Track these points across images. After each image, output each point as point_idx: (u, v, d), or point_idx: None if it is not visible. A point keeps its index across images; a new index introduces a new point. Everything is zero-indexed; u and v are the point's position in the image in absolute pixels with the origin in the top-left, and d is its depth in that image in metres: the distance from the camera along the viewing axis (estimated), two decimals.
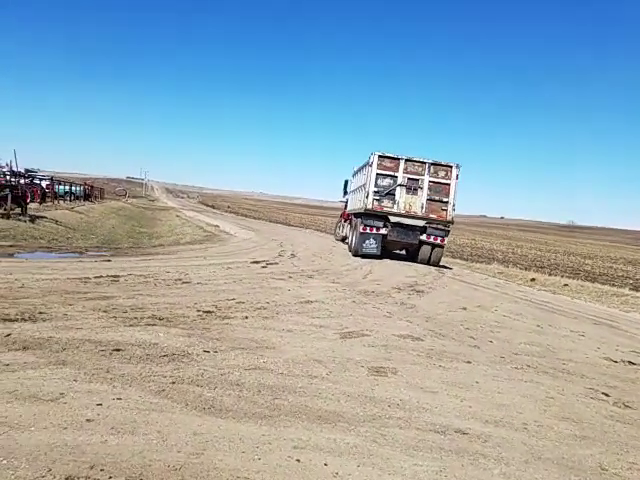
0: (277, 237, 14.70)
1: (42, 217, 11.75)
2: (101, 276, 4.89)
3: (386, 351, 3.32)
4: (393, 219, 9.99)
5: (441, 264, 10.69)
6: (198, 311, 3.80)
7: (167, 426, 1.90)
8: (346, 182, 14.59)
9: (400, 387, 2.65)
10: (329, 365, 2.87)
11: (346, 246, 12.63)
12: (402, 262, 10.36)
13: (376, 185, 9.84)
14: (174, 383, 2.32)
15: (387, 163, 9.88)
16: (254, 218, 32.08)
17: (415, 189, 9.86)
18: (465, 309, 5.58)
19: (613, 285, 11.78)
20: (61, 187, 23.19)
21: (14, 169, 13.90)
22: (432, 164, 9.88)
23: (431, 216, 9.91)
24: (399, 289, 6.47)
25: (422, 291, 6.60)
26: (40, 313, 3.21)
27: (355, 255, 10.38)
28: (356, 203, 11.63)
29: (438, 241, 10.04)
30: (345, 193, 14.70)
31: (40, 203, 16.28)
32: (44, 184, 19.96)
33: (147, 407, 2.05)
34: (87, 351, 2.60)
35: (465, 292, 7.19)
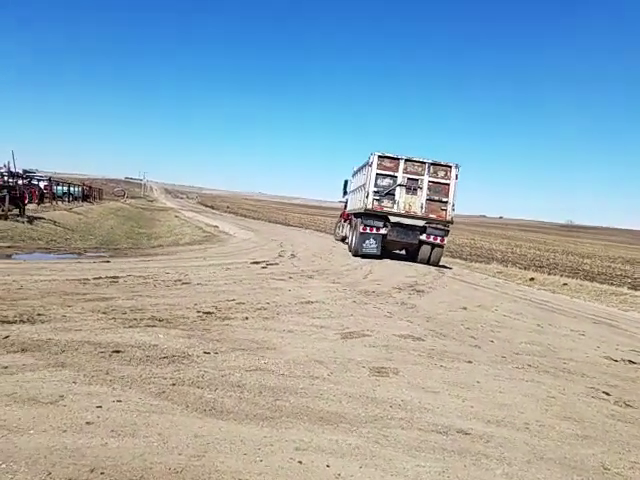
0: (277, 237, 14.68)
1: (40, 218, 11.70)
2: (100, 277, 4.87)
3: (387, 351, 3.32)
4: (393, 219, 10.00)
5: (441, 264, 10.70)
6: (198, 312, 3.78)
7: (168, 428, 1.89)
8: (346, 182, 14.59)
9: (402, 387, 2.64)
10: (330, 366, 2.86)
11: (346, 246, 12.62)
12: (402, 262, 10.36)
13: (376, 185, 9.84)
14: (174, 385, 2.31)
15: (387, 163, 9.88)
16: (253, 218, 32.04)
17: (415, 189, 9.86)
18: (465, 309, 5.58)
19: (612, 284, 11.81)
20: (59, 188, 23.13)
21: (12, 170, 13.84)
22: (432, 164, 9.88)
23: (431, 216, 9.91)
24: (399, 289, 6.47)
25: (422, 291, 6.60)
26: (39, 315, 3.19)
27: (355, 255, 10.37)
28: (356, 203, 11.62)
29: (438, 241, 10.05)
30: (345, 193, 14.70)
31: (38, 204, 16.22)
32: (42, 185, 19.90)
33: (147, 409, 2.03)
34: (86, 353, 2.58)
35: (465, 292, 7.19)
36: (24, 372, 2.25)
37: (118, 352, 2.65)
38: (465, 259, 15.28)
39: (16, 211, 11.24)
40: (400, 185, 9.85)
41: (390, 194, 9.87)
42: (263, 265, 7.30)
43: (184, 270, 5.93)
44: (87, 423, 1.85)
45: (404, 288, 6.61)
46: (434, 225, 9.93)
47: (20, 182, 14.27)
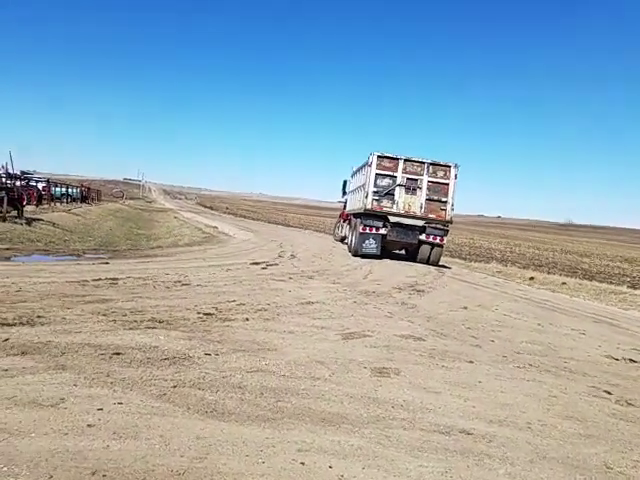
0: (276, 238, 14.67)
1: (39, 220, 11.66)
2: (99, 279, 4.85)
3: (388, 352, 3.31)
4: (392, 219, 10.00)
5: (440, 263, 10.71)
6: (198, 313, 3.77)
7: (169, 430, 1.88)
8: (345, 182, 14.59)
9: (403, 388, 2.64)
10: (331, 366, 2.85)
11: (345, 246, 12.62)
12: (402, 262, 10.36)
13: (375, 185, 9.85)
14: (175, 387, 2.30)
15: (386, 163, 9.89)
16: (253, 219, 32.02)
17: (414, 189, 9.87)
18: (466, 308, 5.58)
19: (611, 283, 11.84)
20: (58, 189, 23.07)
21: (10, 171, 13.80)
22: (431, 164, 9.90)
23: (430, 216, 9.92)
24: (400, 289, 6.47)
25: (422, 291, 6.60)
26: (38, 317, 3.18)
27: (355, 255, 10.37)
28: (355, 203, 11.63)
29: (437, 240, 10.06)
30: (344, 193, 14.69)
31: (36, 205, 16.18)
32: (40, 186, 19.84)
33: (149, 411, 2.02)
34: (87, 355, 2.57)
35: (465, 291, 7.20)
36: (24, 375, 2.24)
37: (118, 354, 2.64)
38: (464, 259, 15.30)
39: (14, 213, 11.20)
40: (399, 185, 9.86)
41: (389, 194, 9.88)
42: (263, 266, 7.29)
43: (184, 271, 5.91)
44: (88, 426, 1.84)
45: (404, 288, 6.61)
46: (433, 225, 9.94)
47: (18, 183, 14.23)
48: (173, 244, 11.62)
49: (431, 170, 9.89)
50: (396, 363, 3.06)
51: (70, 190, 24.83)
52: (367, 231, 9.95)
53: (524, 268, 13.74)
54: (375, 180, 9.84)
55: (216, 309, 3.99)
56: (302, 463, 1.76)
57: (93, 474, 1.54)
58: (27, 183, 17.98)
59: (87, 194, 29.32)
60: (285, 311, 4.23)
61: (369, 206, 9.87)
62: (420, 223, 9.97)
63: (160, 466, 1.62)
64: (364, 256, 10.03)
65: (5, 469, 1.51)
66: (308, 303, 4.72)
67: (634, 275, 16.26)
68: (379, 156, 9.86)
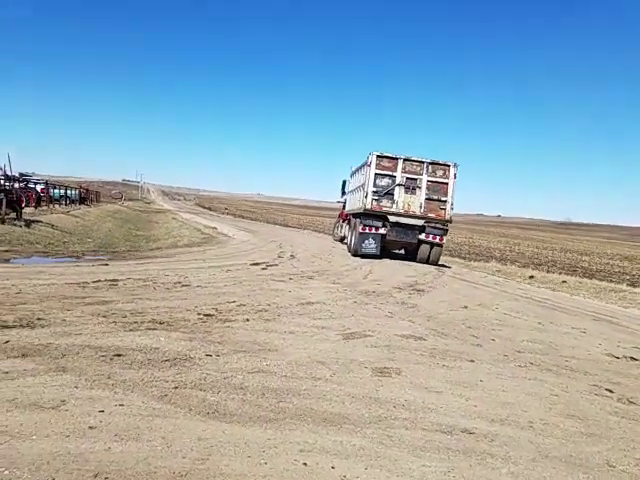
0: (276, 238, 14.67)
1: (37, 221, 11.64)
2: (99, 280, 4.84)
3: (389, 351, 3.31)
4: (392, 219, 10.00)
5: (440, 263, 10.71)
6: (199, 314, 3.76)
7: (171, 432, 1.87)
8: (344, 182, 14.59)
9: (405, 387, 2.64)
10: (333, 367, 2.85)
11: (345, 246, 12.62)
12: (401, 261, 10.36)
13: (375, 185, 9.84)
14: (177, 388, 2.30)
15: (385, 163, 9.89)
16: (252, 220, 32.01)
17: (414, 188, 9.87)
18: (466, 308, 5.58)
19: (611, 281, 11.85)
20: (56, 191, 23.02)
21: (8, 173, 13.77)
22: (430, 163, 9.90)
23: (430, 215, 9.92)
24: (400, 289, 6.47)
25: (423, 290, 6.60)
26: (38, 319, 3.17)
27: (354, 255, 10.37)
28: (355, 203, 11.62)
29: (437, 240, 10.06)
30: (343, 193, 14.69)
31: (35, 207, 16.14)
32: (39, 188, 19.80)
33: (150, 413, 2.02)
34: (87, 357, 2.56)
35: (465, 291, 7.20)
36: (25, 377, 2.23)
37: (119, 356, 2.63)
38: (464, 258, 15.31)
39: (13, 215, 11.17)
40: (399, 185, 9.86)
41: (389, 194, 9.87)
42: (263, 266, 7.28)
43: (183, 272, 5.90)
44: (90, 428, 1.84)
45: (404, 288, 6.61)
46: (433, 224, 9.94)
47: (17, 185, 14.20)
48: (172, 245, 11.60)
49: (430, 169, 9.90)
50: (397, 363, 3.05)
51: (69, 192, 24.77)
52: (367, 231, 9.95)
53: (524, 267, 13.75)
54: (374, 180, 9.84)
55: (216, 310, 3.98)
56: (304, 464, 1.75)
57: (95, 477, 1.53)
58: (25, 185, 17.94)
59: (86, 195, 29.26)
60: (285, 311, 4.23)
61: (368, 206, 9.87)
62: (420, 223, 9.97)
63: (162, 468, 1.62)
64: (364, 256, 10.02)
65: (7, 472, 1.51)
66: (308, 303, 4.71)
67: (634, 273, 16.29)
68: (378, 156, 9.85)
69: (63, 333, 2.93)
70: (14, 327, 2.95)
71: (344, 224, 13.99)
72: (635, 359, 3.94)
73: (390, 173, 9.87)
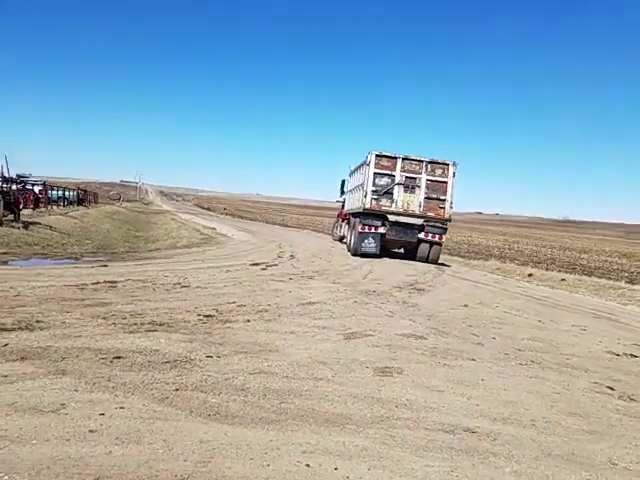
0: (275, 238, 14.65)
1: (36, 223, 11.59)
2: (98, 282, 4.82)
3: (390, 351, 3.31)
4: (391, 218, 10.00)
5: (439, 262, 10.72)
6: (199, 315, 3.75)
7: (172, 434, 1.86)
8: (343, 182, 14.58)
9: (406, 387, 2.63)
10: (334, 367, 2.84)
11: (344, 246, 12.62)
12: (401, 260, 10.36)
13: (374, 184, 9.84)
14: (178, 390, 2.28)
15: (384, 162, 9.89)
16: (251, 220, 31.98)
17: (413, 187, 9.87)
18: (466, 306, 5.58)
19: (609, 279, 11.88)
20: (54, 192, 22.93)
21: (5, 175, 13.71)
22: (429, 162, 9.90)
23: (429, 214, 9.93)
24: (400, 288, 6.47)
25: (423, 289, 6.60)
26: (37, 322, 3.15)
27: (354, 255, 10.36)
28: (354, 203, 11.61)
29: (436, 239, 10.07)
30: (342, 193, 14.68)
31: (33, 209, 16.08)
32: (37, 189, 19.72)
33: (151, 415, 2.00)
34: (87, 359, 2.55)
35: (465, 289, 7.20)
36: (24, 381, 2.22)
37: (119, 358, 2.61)
38: (463, 256, 15.32)
39: (11, 217, 11.12)
40: (398, 184, 9.85)
41: (388, 193, 9.87)
42: (263, 267, 7.27)
43: (183, 273, 5.88)
44: (90, 431, 1.82)
45: (404, 287, 6.61)
46: (432, 223, 9.95)
47: (14, 187, 14.14)
48: (171, 246, 11.57)
49: (429, 168, 9.90)
50: (398, 362, 3.05)
51: (67, 193, 24.69)
52: (366, 230, 9.95)
53: (523, 265, 13.77)
54: (374, 179, 9.83)
55: (216, 311, 3.97)
56: (307, 465, 1.74)
57: None
58: (23, 187, 17.87)
59: (84, 197, 29.18)
60: (286, 312, 4.22)
61: (368, 205, 9.86)
62: (419, 222, 9.97)
63: (164, 471, 1.60)
64: (363, 255, 10.02)
65: (6, 478, 1.49)
66: (309, 303, 4.70)
67: (632, 270, 16.34)
68: (377, 155, 9.85)
69: (62, 335, 2.91)
70: (13, 330, 2.93)
71: (343, 223, 13.99)
72: (635, 356, 3.94)
73: (389, 172, 9.87)
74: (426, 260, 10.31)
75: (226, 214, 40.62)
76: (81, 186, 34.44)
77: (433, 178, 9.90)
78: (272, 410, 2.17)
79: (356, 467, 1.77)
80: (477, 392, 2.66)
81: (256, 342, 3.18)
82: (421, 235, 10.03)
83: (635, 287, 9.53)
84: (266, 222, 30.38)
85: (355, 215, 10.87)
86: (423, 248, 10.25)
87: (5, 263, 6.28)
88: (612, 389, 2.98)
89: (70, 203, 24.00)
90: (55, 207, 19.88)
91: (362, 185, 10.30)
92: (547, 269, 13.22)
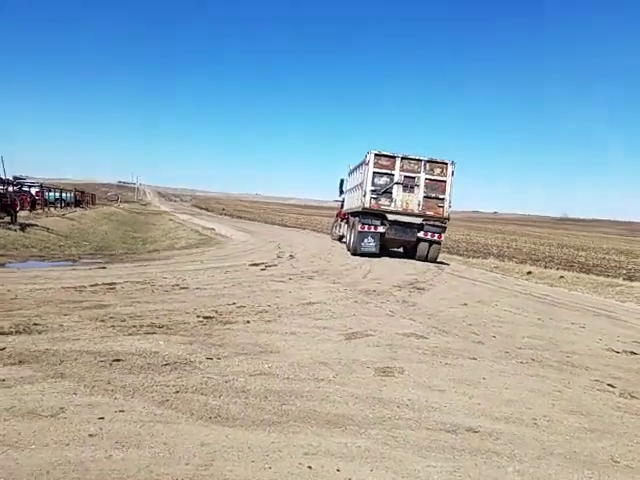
0: (274, 238, 14.63)
1: (33, 225, 11.52)
2: (97, 284, 4.79)
3: (391, 350, 3.30)
4: (391, 217, 10.00)
5: (438, 260, 10.73)
6: (198, 317, 3.73)
7: (173, 437, 1.84)
8: (342, 181, 14.57)
9: (408, 387, 2.62)
10: (335, 367, 2.83)
11: (344, 245, 12.62)
12: (400, 260, 10.37)
13: (373, 184, 9.84)
14: (178, 392, 2.27)
15: (383, 161, 9.89)
16: (249, 220, 31.93)
17: (412, 187, 9.88)
18: (466, 305, 5.59)
19: (608, 276, 11.93)
20: (51, 194, 22.82)
21: (2, 177, 13.62)
22: (428, 161, 9.91)
23: (428, 213, 9.94)
24: (400, 287, 6.46)
25: (423, 288, 6.60)
26: (35, 325, 3.12)
27: (354, 254, 10.36)
28: (353, 202, 11.61)
29: (435, 237, 10.09)
30: (341, 192, 14.68)
31: (30, 211, 15.98)
32: (33, 191, 19.62)
33: (151, 419, 1.99)
34: (86, 363, 2.53)
35: (464, 288, 7.21)
36: (22, 385, 2.20)
37: (118, 361, 2.59)
38: (462, 255, 15.36)
39: (7, 219, 11.06)
40: (397, 183, 9.86)
41: (387, 192, 9.88)
42: (262, 267, 7.25)
43: (182, 274, 5.86)
44: (90, 435, 1.80)
45: (404, 286, 6.61)
46: (431, 222, 9.97)
47: (11, 189, 14.05)
48: (170, 247, 11.54)
49: (428, 167, 9.91)
50: (399, 362, 3.04)
51: (64, 194, 24.57)
52: (366, 230, 9.95)
53: (521, 263, 13.82)
54: (373, 178, 9.84)
55: (216, 312, 3.95)
56: (309, 467, 1.73)
57: None
58: (20, 188, 17.77)
59: (81, 198, 29.04)
60: (286, 312, 4.20)
61: (367, 205, 9.86)
62: (418, 221, 9.99)
63: (165, 475, 1.59)
64: (363, 255, 10.03)
65: None
66: (309, 304, 4.69)
67: (630, 267, 16.42)
68: (376, 154, 9.85)
69: (61, 338, 2.88)
70: (10, 333, 2.90)
71: (342, 223, 13.99)
72: (635, 353, 3.95)
73: (388, 172, 9.88)
74: (425, 259, 10.32)
75: (225, 214, 40.55)
76: (78, 187, 34.28)
77: (432, 177, 9.91)
78: (273, 412, 2.16)
79: (358, 468, 1.76)
80: (478, 391, 2.66)
81: (256, 343, 3.17)
82: (420, 234, 10.04)
83: (633, 284, 9.58)
84: (265, 222, 30.34)
85: (354, 214, 10.87)
86: (422, 247, 10.27)
87: (2, 265, 6.23)
88: (613, 387, 2.99)
89: (67, 205, 23.87)
90: (52, 209, 19.77)
91: (361, 184, 10.30)
92: (545, 267, 13.26)
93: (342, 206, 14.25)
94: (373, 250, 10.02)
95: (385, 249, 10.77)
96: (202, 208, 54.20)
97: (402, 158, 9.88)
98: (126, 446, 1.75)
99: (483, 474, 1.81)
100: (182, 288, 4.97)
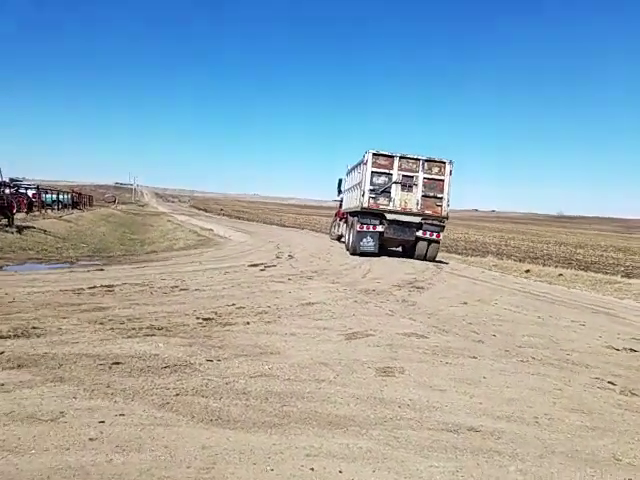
0: (273, 239, 14.61)
1: (30, 227, 11.45)
2: (95, 286, 4.76)
3: (392, 350, 3.29)
4: (389, 216, 10.01)
5: (437, 259, 10.75)
6: (198, 318, 3.72)
7: (174, 441, 1.83)
8: (340, 181, 14.57)
9: (409, 386, 2.62)
10: (336, 368, 2.83)
11: (343, 245, 12.61)
12: (400, 259, 10.38)
13: (371, 183, 9.84)
14: (178, 395, 2.25)
15: (382, 161, 9.89)
16: (248, 220, 31.88)
17: (410, 186, 9.89)
18: (466, 304, 5.59)
19: (606, 273, 11.99)
20: (48, 196, 22.71)
21: None
22: (426, 161, 9.92)
23: (426, 212, 9.96)
24: (399, 286, 6.46)
25: (422, 287, 6.60)
26: (33, 328, 3.10)
27: (353, 254, 10.36)
28: (352, 202, 11.61)
29: (434, 237, 10.10)
30: (340, 192, 14.67)
31: (27, 213, 15.89)
32: (30, 193, 19.52)
33: (152, 422, 1.98)
34: (85, 366, 2.51)
35: (464, 286, 7.22)
36: (21, 389, 2.18)
37: (118, 364, 2.58)
38: (461, 254, 15.39)
39: (4, 221, 10.99)
40: (395, 182, 9.87)
41: (386, 192, 9.88)
42: (261, 267, 7.24)
43: (181, 276, 5.84)
44: (90, 439, 1.79)
45: (404, 285, 6.61)
46: (430, 221, 9.98)
47: (7, 191, 13.96)
48: (168, 248, 11.50)
49: (426, 167, 9.92)
50: (400, 362, 3.04)
51: (61, 196, 24.45)
52: (364, 229, 9.95)
53: (520, 261, 13.86)
54: (371, 178, 9.84)
55: (216, 313, 3.94)
56: (311, 469, 1.72)
57: None
58: (16, 190, 17.68)
59: (78, 200, 28.91)
60: (286, 313, 4.20)
61: (366, 204, 9.86)
62: (417, 220, 10.00)
63: (166, 478, 1.58)
64: (362, 254, 10.03)
65: None
66: (309, 304, 4.68)
67: (627, 264, 16.51)
68: (374, 154, 9.85)
69: (59, 342, 2.86)
70: (9, 337, 2.88)
71: (341, 223, 13.98)
72: (635, 350, 3.97)
73: (386, 171, 9.88)
74: (424, 258, 10.34)
75: (223, 215, 40.48)
76: (75, 189, 34.13)
77: (430, 176, 9.92)
78: (274, 414, 2.15)
79: (361, 469, 1.75)
80: (479, 390, 2.66)
81: (256, 344, 3.16)
82: (419, 233, 10.05)
83: (631, 281, 9.62)
84: (264, 222, 30.30)
85: (353, 214, 10.87)
86: (421, 246, 10.28)
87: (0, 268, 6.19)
88: (613, 384, 2.99)
89: (64, 206, 23.75)
90: (49, 211, 19.66)
91: (360, 184, 10.30)
92: (544, 265, 13.30)
93: (341, 206, 14.24)
94: (372, 249, 10.03)
95: (384, 248, 10.77)
96: (200, 209, 54.09)
97: (400, 157, 9.89)
98: (127, 450, 1.73)
99: (485, 474, 1.81)
100: (181, 290, 4.95)
